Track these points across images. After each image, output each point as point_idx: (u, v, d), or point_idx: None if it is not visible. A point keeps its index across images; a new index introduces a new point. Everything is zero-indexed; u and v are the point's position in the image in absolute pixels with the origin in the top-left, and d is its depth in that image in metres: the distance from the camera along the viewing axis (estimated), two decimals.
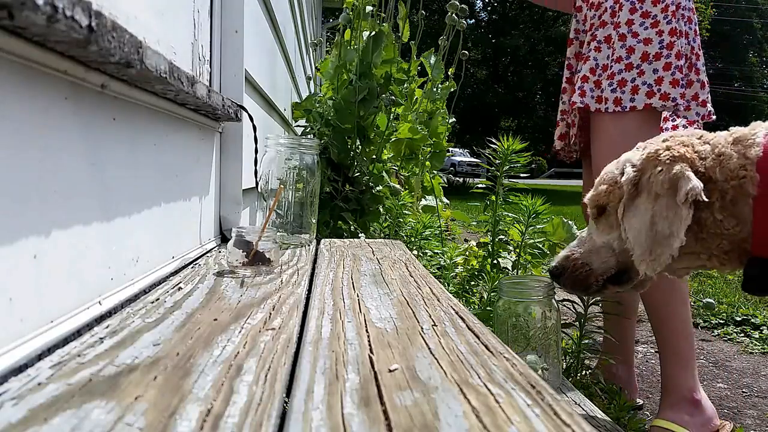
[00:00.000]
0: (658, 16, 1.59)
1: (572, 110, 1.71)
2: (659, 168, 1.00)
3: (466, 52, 3.06)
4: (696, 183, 0.95)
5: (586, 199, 1.18)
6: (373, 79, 2.04)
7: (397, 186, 2.24)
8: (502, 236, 2.16)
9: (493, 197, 2.10)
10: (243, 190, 1.47)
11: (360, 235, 2.04)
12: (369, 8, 2.17)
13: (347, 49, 2.12)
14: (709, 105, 1.66)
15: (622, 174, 1.07)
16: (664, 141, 1.06)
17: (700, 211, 0.98)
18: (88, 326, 0.66)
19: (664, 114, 1.76)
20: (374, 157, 2.12)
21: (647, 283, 1.16)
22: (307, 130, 2.24)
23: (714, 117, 1.67)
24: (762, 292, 1.00)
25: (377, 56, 2.05)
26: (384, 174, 2.15)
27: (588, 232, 1.18)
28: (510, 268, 2.16)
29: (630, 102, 1.57)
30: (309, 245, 1.44)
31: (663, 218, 0.97)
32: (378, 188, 2.12)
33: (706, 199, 0.94)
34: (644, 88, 1.57)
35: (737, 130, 1.02)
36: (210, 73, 1.35)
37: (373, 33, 2.06)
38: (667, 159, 1.00)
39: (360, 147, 2.07)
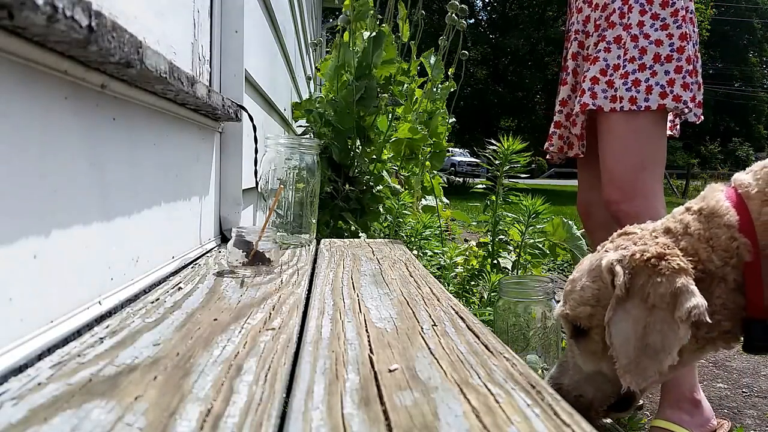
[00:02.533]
0: (667, 19, 1.60)
1: (578, 113, 1.70)
2: (659, 279, 0.92)
3: (466, 52, 3.05)
4: (701, 301, 0.88)
5: (558, 314, 1.07)
6: (373, 79, 2.04)
7: (397, 186, 2.24)
8: (502, 236, 2.16)
9: (493, 197, 2.10)
10: (243, 190, 1.47)
11: (360, 234, 2.04)
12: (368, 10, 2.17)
13: (347, 50, 2.12)
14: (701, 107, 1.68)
15: (599, 289, 0.99)
16: (643, 244, 0.99)
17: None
18: (88, 326, 0.66)
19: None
20: (374, 157, 2.12)
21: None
22: (308, 131, 2.25)
23: (702, 118, 1.68)
24: (766, 350, 0.97)
25: (377, 57, 2.06)
26: (384, 174, 2.16)
27: (569, 354, 1.07)
28: (510, 268, 2.16)
29: (645, 102, 1.58)
30: (309, 245, 1.44)
31: (657, 332, 0.91)
32: (378, 188, 2.12)
33: (710, 321, 0.88)
34: (657, 88, 1.58)
35: (702, 206, 0.98)
36: (210, 73, 1.35)
37: (373, 34, 2.06)
38: (668, 271, 0.92)
39: (360, 147, 2.08)
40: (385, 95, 2.00)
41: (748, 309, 0.95)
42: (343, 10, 2.25)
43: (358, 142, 2.07)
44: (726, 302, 0.95)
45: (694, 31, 1.66)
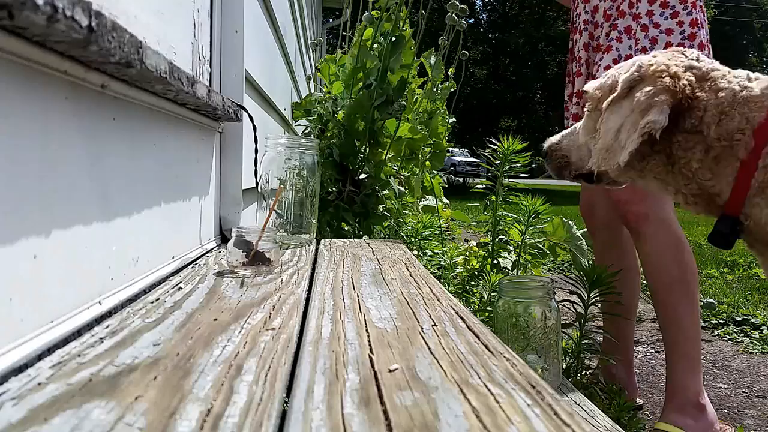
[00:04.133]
0: (677, 6, 1.59)
1: (581, 99, 1.67)
2: (649, 88, 1.00)
3: (466, 52, 3.06)
4: (659, 119, 0.96)
5: (587, 87, 1.17)
6: (390, 84, 2.00)
7: (403, 189, 2.23)
8: (502, 236, 2.16)
9: (493, 197, 2.10)
10: (243, 190, 1.47)
11: (363, 237, 2.03)
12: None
13: (366, 51, 2.07)
14: None
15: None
16: (681, 61, 1.04)
17: (677, 150, 1.00)
18: (88, 326, 0.66)
19: None
20: (381, 160, 2.10)
21: (620, 184, 1.20)
22: (307, 130, 2.24)
23: None
24: (726, 246, 1.03)
25: (395, 61, 2.02)
26: (391, 179, 2.14)
27: (579, 123, 1.21)
28: (510, 268, 2.16)
29: None
30: (309, 245, 1.44)
31: (627, 130, 1.01)
32: (384, 192, 2.11)
33: (657, 138, 0.96)
34: None
35: (752, 87, 0.98)
36: (210, 73, 1.35)
37: (394, 38, 2.01)
38: (661, 84, 1.00)
39: (368, 150, 2.05)
40: (400, 100, 1.98)
41: (727, 202, 0.99)
42: (378, 4, 2.17)
43: (367, 146, 2.04)
44: (698, 171, 1.00)
45: (704, 19, 1.64)
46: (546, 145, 1.27)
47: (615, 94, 1.06)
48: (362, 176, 2.05)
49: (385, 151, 2.11)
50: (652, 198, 1.58)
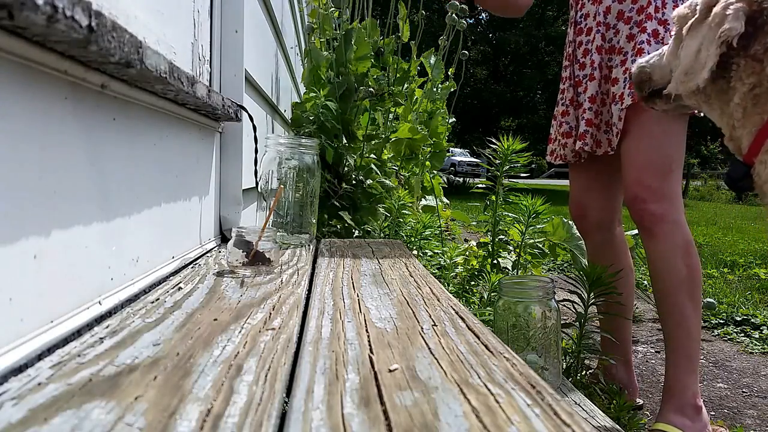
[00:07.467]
0: None
1: (620, 106, 1.64)
2: (723, 2, 1.01)
3: (466, 52, 3.05)
4: (735, 25, 0.96)
5: (674, 14, 1.19)
6: (350, 75, 2.08)
7: (387, 182, 2.23)
8: (502, 236, 2.16)
9: (493, 197, 2.10)
10: (243, 190, 1.47)
11: (354, 231, 2.03)
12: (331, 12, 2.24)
13: (317, 52, 2.19)
14: None
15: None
16: None
17: (734, 75, 1.01)
18: (88, 326, 0.66)
19: None
20: (359, 148, 2.14)
21: (689, 108, 1.24)
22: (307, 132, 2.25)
23: None
24: (735, 189, 1.08)
25: (350, 53, 2.11)
26: (373, 167, 2.16)
27: (668, 44, 1.23)
28: (510, 268, 2.16)
29: None
30: (309, 245, 1.44)
31: (705, 48, 1.01)
32: (368, 182, 2.13)
33: (735, 45, 0.96)
34: None
35: None
36: (210, 73, 1.35)
37: (344, 32, 2.12)
38: (738, 2, 0.99)
39: (346, 143, 2.09)
40: (362, 88, 2.03)
41: (747, 151, 1.03)
42: (309, 19, 2.34)
43: (344, 139, 2.08)
44: (738, 106, 1.03)
45: None
46: (634, 67, 1.32)
47: (694, 18, 1.07)
48: (345, 170, 2.08)
49: (362, 142, 2.16)
50: (668, 199, 1.58)
